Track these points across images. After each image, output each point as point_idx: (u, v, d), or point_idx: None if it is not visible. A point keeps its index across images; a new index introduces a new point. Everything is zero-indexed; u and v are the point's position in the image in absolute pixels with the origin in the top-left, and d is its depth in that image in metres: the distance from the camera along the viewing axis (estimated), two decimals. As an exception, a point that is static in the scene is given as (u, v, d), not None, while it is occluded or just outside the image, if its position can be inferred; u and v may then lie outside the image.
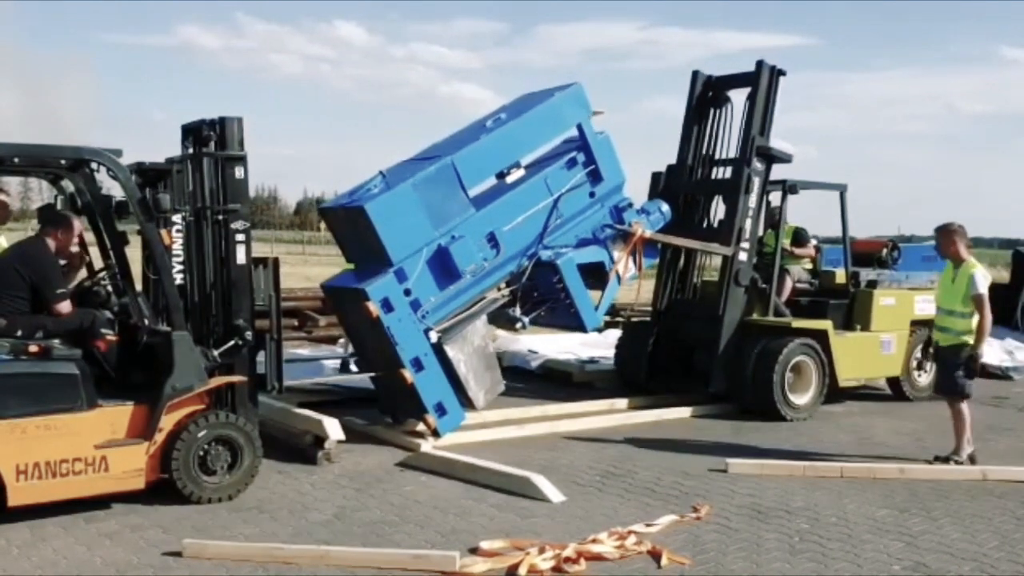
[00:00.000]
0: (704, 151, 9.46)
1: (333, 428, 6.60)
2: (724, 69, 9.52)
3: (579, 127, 7.97)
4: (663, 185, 9.44)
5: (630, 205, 8.39)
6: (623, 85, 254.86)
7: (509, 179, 7.75)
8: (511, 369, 10.19)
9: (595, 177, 8.05)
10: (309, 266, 28.43)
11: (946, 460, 6.95)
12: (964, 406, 6.98)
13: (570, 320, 7.97)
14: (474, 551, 4.81)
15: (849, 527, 5.41)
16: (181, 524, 5.17)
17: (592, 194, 8.08)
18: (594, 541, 4.91)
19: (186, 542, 4.71)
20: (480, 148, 7.44)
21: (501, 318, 7.80)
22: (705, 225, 9.39)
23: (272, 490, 5.82)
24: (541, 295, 7.84)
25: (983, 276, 6.84)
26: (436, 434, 7.12)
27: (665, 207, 8.75)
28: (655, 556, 4.78)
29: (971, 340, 6.91)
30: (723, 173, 9.39)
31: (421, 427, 7.25)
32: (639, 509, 5.64)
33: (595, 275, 7.98)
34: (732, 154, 9.22)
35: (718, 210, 9.36)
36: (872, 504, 5.88)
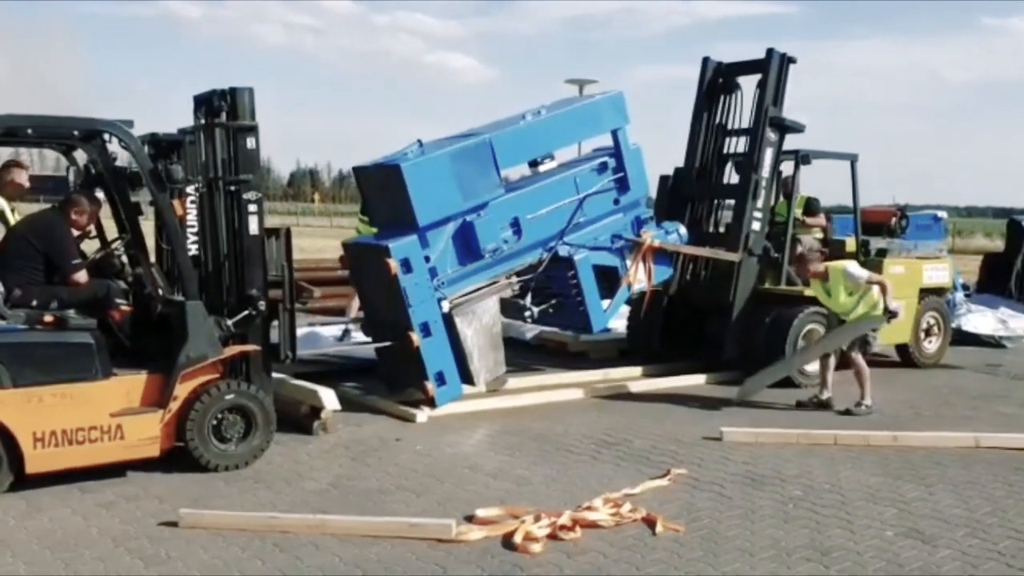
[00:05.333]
0: (717, 122, 9.56)
1: (329, 398, 6.61)
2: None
3: (614, 133, 8.17)
4: (670, 188, 9.52)
5: (651, 219, 8.56)
6: (606, 53, 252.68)
7: (541, 168, 7.95)
8: (506, 340, 10.18)
9: (622, 185, 8.22)
10: (303, 238, 28.28)
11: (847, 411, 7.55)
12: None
13: (577, 319, 8.12)
14: (470, 519, 4.83)
15: (843, 494, 5.44)
16: (177, 494, 5.18)
17: (617, 201, 8.24)
18: (589, 508, 4.93)
19: (182, 512, 4.72)
20: (518, 133, 7.68)
21: (511, 307, 7.90)
22: (712, 228, 9.59)
23: (268, 460, 5.82)
24: (553, 290, 7.97)
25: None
26: (432, 403, 7.15)
27: (683, 230, 8.83)
28: (650, 523, 4.81)
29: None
30: (735, 144, 9.48)
31: (418, 397, 7.26)
32: (634, 477, 5.66)
33: (607, 281, 8.15)
34: (743, 146, 9.29)
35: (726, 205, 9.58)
36: (866, 471, 5.92)
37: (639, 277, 8.31)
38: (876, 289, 7.54)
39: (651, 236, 8.33)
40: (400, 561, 4.30)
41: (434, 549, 4.44)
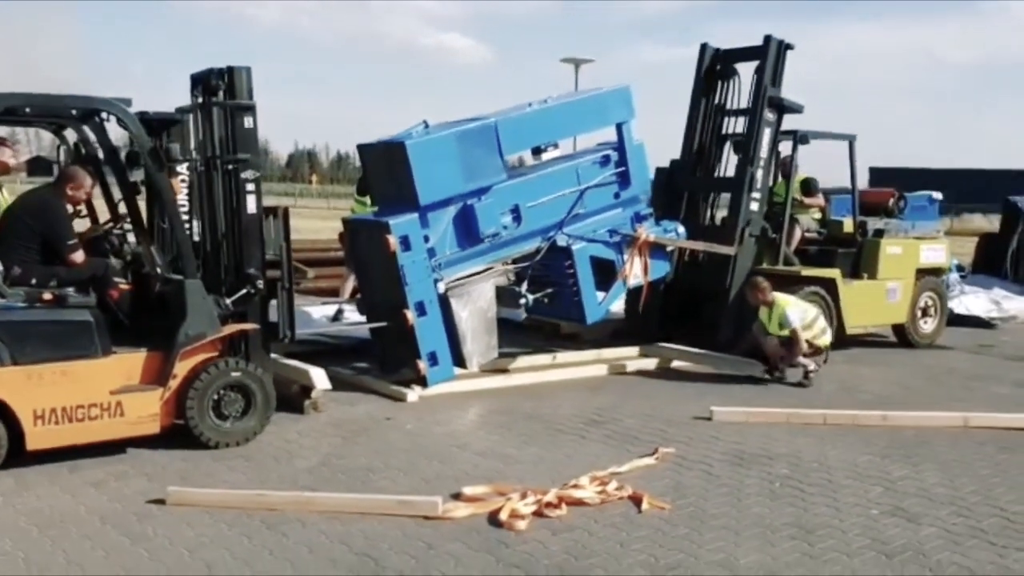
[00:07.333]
0: (715, 103, 9.58)
1: (320, 377, 6.62)
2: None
3: (619, 127, 8.21)
4: (666, 180, 9.52)
5: (651, 215, 8.56)
6: (601, 33, 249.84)
7: (545, 156, 7.99)
8: (499, 320, 10.19)
9: (623, 180, 8.26)
10: (301, 219, 28.18)
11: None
12: None
13: (572, 310, 8.14)
14: (457, 496, 4.85)
15: (829, 473, 5.47)
16: (166, 472, 5.20)
17: (617, 195, 8.27)
18: (575, 486, 4.95)
19: (170, 490, 4.73)
20: (523, 119, 7.74)
21: (506, 295, 7.93)
22: (708, 220, 9.64)
23: (258, 439, 5.83)
24: (549, 279, 7.99)
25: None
26: (424, 382, 7.16)
27: (682, 229, 8.82)
28: (636, 501, 4.83)
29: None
30: (734, 125, 9.51)
31: (410, 377, 7.27)
32: (621, 456, 5.67)
33: (604, 274, 8.16)
34: (742, 128, 9.31)
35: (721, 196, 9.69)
36: (853, 450, 5.94)
37: (635, 272, 8.31)
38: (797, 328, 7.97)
39: (645, 231, 8.32)
40: (386, 537, 4.31)
41: (421, 526, 4.46)
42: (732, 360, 8.32)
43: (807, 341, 7.99)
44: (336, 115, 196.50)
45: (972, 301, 11.74)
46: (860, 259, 9.75)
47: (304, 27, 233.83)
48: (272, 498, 4.70)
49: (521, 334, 9.82)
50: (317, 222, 25.86)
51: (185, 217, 6.01)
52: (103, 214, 6.49)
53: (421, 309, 7.03)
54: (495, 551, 4.20)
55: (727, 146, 9.63)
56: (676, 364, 8.66)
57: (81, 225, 6.36)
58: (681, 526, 4.55)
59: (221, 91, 5.98)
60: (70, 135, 6.33)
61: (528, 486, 4.91)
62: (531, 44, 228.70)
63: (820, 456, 5.80)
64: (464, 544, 4.26)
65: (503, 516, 4.52)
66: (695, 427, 6.46)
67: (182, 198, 6.05)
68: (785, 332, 7.97)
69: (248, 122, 6.03)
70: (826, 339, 8.21)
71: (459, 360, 7.33)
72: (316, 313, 9.49)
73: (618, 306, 9.36)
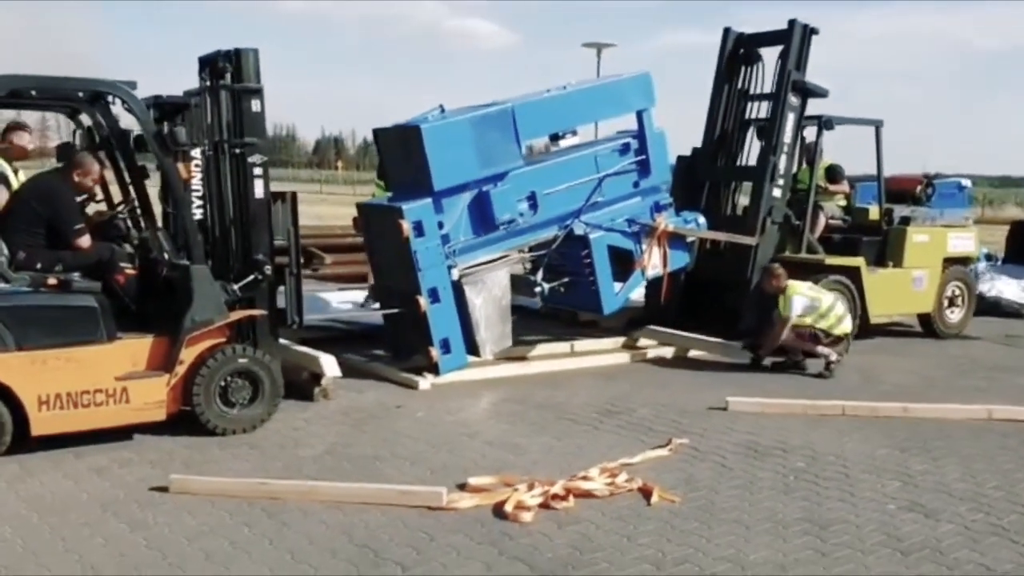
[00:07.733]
0: (739, 88, 9.40)
1: (329, 364, 6.56)
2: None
3: (639, 115, 8.08)
4: (687, 168, 9.38)
5: (670, 205, 8.41)
6: (628, 19, 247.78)
7: (563, 143, 7.88)
8: (515, 308, 10.09)
9: (643, 168, 8.13)
10: (326, 205, 28.36)
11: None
12: None
13: (588, 300, 8.01)
14: (463, 487, 4.77)
15: (846, 466, 5.33)
16: (171, 459, 5.16)
17: (636, 184, 8.14)
18: (584, 478, 4.85)
19: (173, 477, 4.69)
20: (541, 104, 7.63)
21: (521, 283, 7.84)
22: (730, 211, 9.47)
23: (265, 426, 5.78)
24: (566, 268, 7.87)
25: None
26: (436, 370, 7.08)
27: (702, 220, 8.66)
28: (645, 494, 4.72)
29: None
30: (757, 110, 9.33)
31: (424, 365, 7.19)
32: (634, 446, 5.56)
33: (622, 264, 8.02)
34: (765, 113, 9.13)
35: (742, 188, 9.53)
36: (872, 443, 5.80)
37: (654, 262, 8.16)
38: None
39: (665, 221, 8.16)
40: (388, 528, 4.24)
41: (424, 516, 4.38)
42: (719, 344, 8.20)
43: (823, 330, 7.82)
44: (362, 100, 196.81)
45: (1003, 286, 11.52)
46: (886, 247, 9.59)
47: (327, 12, 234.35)
48: (274, 487, 4.65)
49: (539, 321, 9.70)
50: (341, 208, 25.81)
51: (200, 202, 5.96)
52: (119, 199, 6.46)
53: (434, 295, 6.95)
54: (498, 543, 4.11)
55: (750, 132, 9.46)
56: (693, 353, 8.52)
57: (91, 209, 6.34)
58: (691, 519, 4.44)
59: (228, 74, 5.90)
60: (87, 120, 6.31)
61: (535, 477, 4.82)
62: (556, 29, 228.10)
63: (837, 448, 5.66)
64: (467, 536, 4.18)
65: (508, 508, 4.43)
66: (710, 418, 6.33)
67: (196, 183, 5.98)
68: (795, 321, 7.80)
69: (256, 105, 5.96)
70: (844, 327, 8.00)
71: (472, 348, 7.24)
72: (334, 300, 9.43)
73: (638, 294, 9.24)
